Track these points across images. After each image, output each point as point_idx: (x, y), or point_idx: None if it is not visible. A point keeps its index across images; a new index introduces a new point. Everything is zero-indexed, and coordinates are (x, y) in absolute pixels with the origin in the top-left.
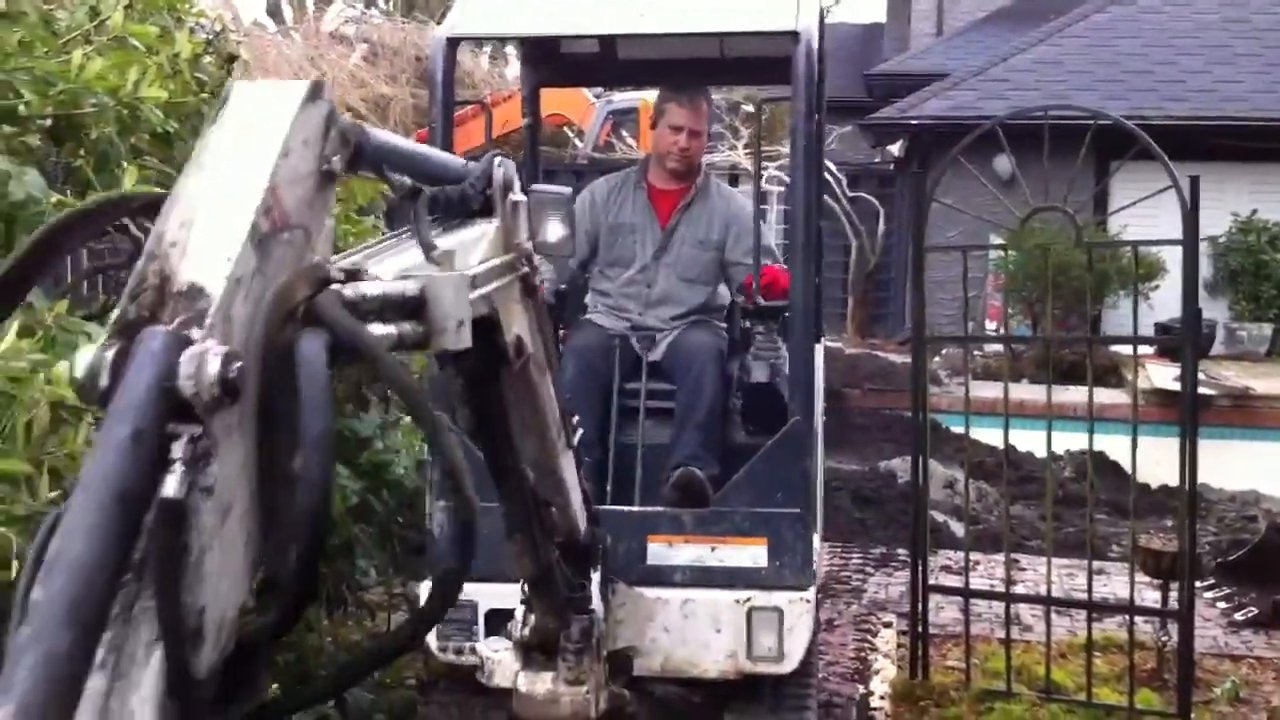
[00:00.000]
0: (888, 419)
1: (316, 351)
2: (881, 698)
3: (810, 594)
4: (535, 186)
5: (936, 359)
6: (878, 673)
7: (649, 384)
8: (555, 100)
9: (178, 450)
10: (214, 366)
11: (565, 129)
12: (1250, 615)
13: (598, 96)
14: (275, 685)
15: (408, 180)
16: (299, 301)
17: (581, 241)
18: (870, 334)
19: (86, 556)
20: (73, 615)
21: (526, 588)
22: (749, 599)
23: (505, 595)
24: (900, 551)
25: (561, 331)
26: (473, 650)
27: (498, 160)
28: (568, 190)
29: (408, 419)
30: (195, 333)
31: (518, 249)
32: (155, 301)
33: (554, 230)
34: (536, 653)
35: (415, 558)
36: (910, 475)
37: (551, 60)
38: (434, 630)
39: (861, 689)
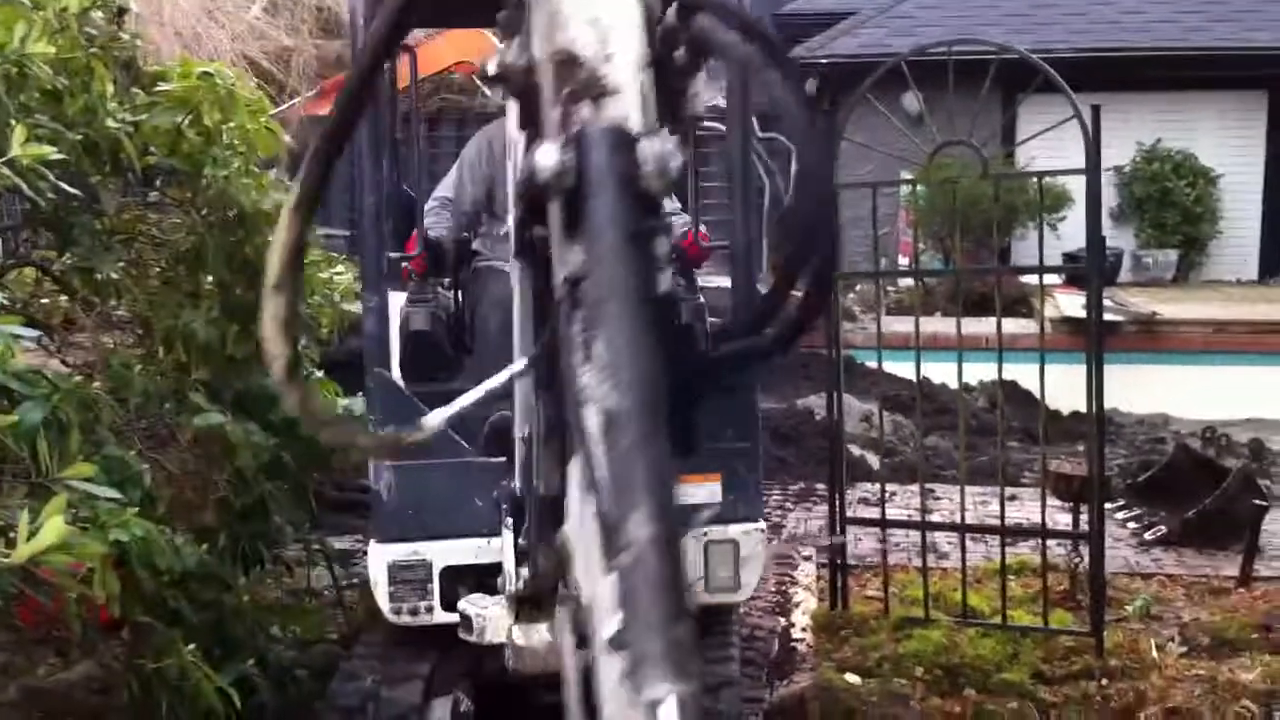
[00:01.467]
0: (804, 357)
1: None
2: (803, 629)
3: (762, 524)
4: None
5: (850, 295)
6: (798, 605)
7: None
8: (464, 48)
9: (661, 246)
10: (675, 161)
11: (475, 78)
12: (1159, 534)
13: None
14: (192, 645)
15: None
16: None
17: (479, 186)
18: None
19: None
20: (664, 504)
21: (530, 532)
22: (706, 534)
23: (460, 551)
24: (819, 486)
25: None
26: (429, 610)
27: None
28: None
29: (319, 374)
30: (612, 107)
31: None
32: (560, 86)
33: None
34: (530, 605)
35: (332, 514)
36: (827, 411)
37: None
38: (386, 594)
39: (783, 621)
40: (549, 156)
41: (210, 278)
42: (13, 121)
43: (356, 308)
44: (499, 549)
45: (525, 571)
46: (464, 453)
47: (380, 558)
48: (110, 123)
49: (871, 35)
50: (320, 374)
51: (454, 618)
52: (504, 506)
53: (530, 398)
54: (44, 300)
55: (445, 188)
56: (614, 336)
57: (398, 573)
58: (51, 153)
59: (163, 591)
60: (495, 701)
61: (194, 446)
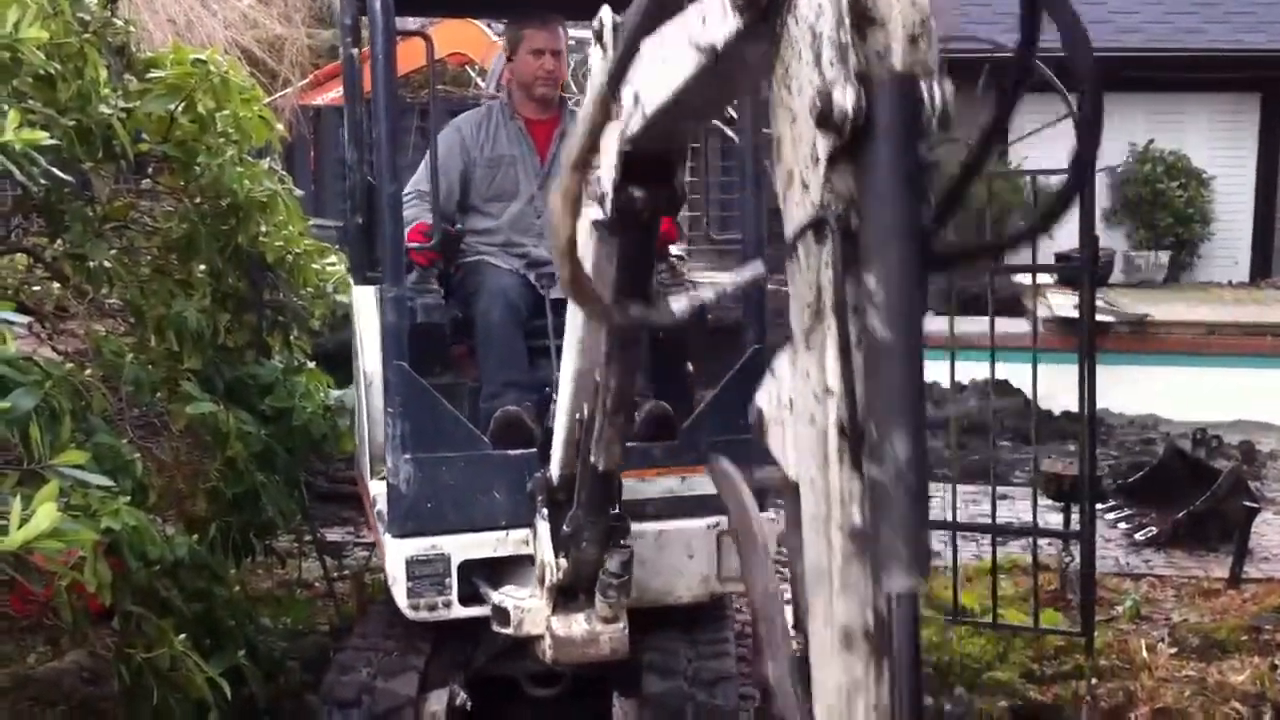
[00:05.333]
0: None
1: None
2: (793, 627)
3: (771, 513)
4: None
5: None
6: (790, 603)
7: (555, 321)
8: (455, 39)
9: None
10: (940, 96)
11: (468, 68)
12: (1150, 535)
13: (499, 35)
14: (183, 635)
15: None
16: None
17: (455, 181)
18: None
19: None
20: (920, 429)
21: (580, 509)
22: (718, 524)
23: (478, 545)
24: None
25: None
26: (447, 604)
27: None
28: None
29: (311, 364)
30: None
31: None
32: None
33: None
34: (569, 595)
35: (323, 505)
36: None
37: None
38: (404, 589)
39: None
40: (849, 98)
41: (202, 266)
42: (6, 106)
43: (348, 299)
44: (517, 542)
45: (563, 562)
46: (480, 445)
47: (398, 552)
48: (103, 109)
49: None
50: (311, 365)
51: (471, 612)
52: (539, 497)
53: (587, 379)
54: (35, 287)
55: (419, 180)
56: (889, 274)
57: (416, 567)
58: (44, 138)
59: (153, 581)
60: (489, 694)
61: (185, 435)
